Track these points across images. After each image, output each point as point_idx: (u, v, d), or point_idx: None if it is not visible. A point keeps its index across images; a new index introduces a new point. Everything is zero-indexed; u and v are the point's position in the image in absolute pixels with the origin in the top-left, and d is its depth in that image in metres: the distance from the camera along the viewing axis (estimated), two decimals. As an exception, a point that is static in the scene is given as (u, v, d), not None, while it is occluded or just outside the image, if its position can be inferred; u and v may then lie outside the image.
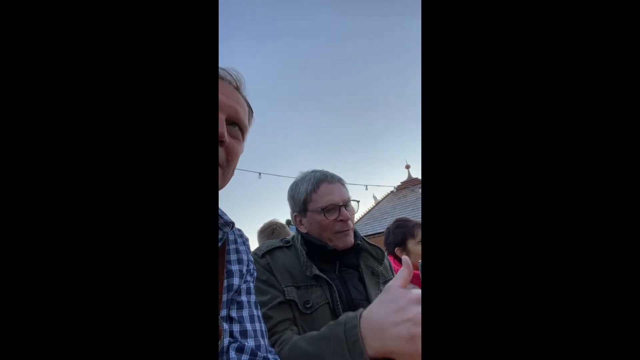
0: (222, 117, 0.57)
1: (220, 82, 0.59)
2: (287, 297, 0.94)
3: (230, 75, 0.62)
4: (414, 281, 1.81)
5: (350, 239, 1.08)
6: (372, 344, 0.60)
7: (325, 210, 1.07)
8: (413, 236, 1.79)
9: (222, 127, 0.56)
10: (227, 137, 0.56)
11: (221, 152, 0.57)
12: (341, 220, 1.07)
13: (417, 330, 0.56)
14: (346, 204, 1.09)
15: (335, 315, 0.95)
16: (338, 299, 0.97)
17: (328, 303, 0.97)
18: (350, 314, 0.67)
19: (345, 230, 1.07)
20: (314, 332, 0.72)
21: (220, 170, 0.57)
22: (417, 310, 0.58)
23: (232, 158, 0.60)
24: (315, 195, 1.10)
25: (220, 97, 0.57)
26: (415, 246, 1.77)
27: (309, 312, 0.94)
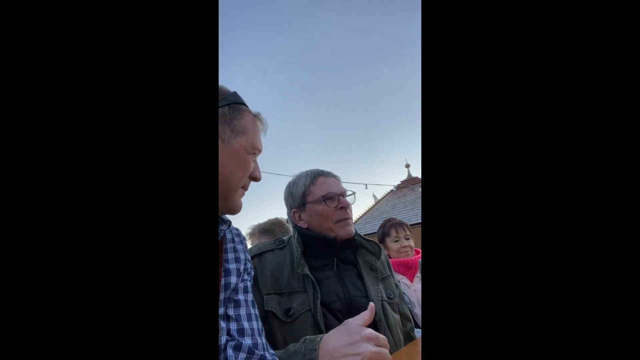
0: (257, 161, 0.71)
1: (259, 127, 0.72)
2: (265, 308, 0.94)
3: (262, 121, 0.74)
4: (405, 272, 1.86)
5: (352, 229, 1.10)
6: None
7: (326, 198, 1.09)
8: (389, 235, 2.02)
9: (260, 171, 0.72)
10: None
11: (250, 183, 0.71)
12: (342, 208, 1.09)
13: None
14: (343, 194, 1.13)
15: (316, 322, 0.95)
16: (319, 305, 0.96)
17: (310, 310, 0.96)
18: (310, 341, 0.73)
19: (346, 219, 1.09)
20: (277, 353, 0.76)
21: (243, 193, 0.70)
22: (368, 347, 0.66)
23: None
24: (313, 187, 1.13)
25: (260, 146, 0.71)
26: (390, 243, 2.01)
27: (289, 320, 0.94)
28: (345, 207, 1.10)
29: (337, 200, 1.09)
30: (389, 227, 2.04)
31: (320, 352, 0.69)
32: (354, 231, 1.11)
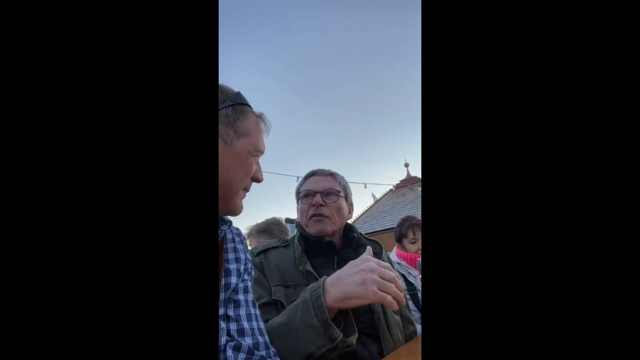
0: (259, 162, 0.70)
1: (262, 128, 0.71)
2: (274, 297, 0.96)
3: (265, 122, 0.73)
4: (413, 264, 1.87)
5: (323, 226, 1.10)
6: (331, 291, 0.75)
7: (301, 196, 1.15)
8: (406, 236, 2.02)
9: (262, 173, 0.71)
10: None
11: (251, 184, 0.71)
12: (313, 205, 1.11)
13: (368, 276, 0.73)
14: (324, 192, 1.14)
15: None
16: None
17: None
18: (315, 282, 0.81)
19: (316, 215, 1.11)
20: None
21: (244, 195, 0.70)
22: (369, 263, 0.75)
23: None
24: (303, 185, 1.18)
25: (264, 147, 0.70)
26: (408, 244, 2.00)
27: None
28: (316, 205, 1.11)
29: (312, 198, 1.13)
30: (406, 228, 2.02)
31: (327, 282, 0.77)
32: (327, 230, 1.10)
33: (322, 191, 1.13)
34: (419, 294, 1.78)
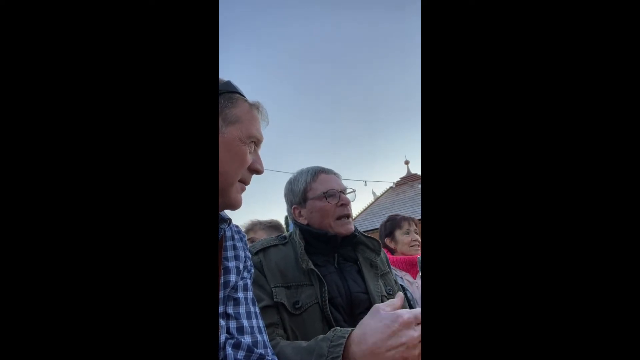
0: (258, 152, 0.67)
1: (256, 116, 0.68)
2: (275, 300, 0.95)
3: (261, 112, 0.70)
4: (409, 269, 1.87)
5: (351, 226, 1.11)
6: (356, 351, 0.67)
7: (327, 194, 1.11)
8: (400, 227, 1.99)
9: (262, 164, 0.68)
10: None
11: (251, 177, 0.68)
12: (342, 205, 1.10)
13: (410, 353, 0.63)
14: (344, 191, 1.15)
15: (324, 315, 0.96)
16: (327, 298, 0.97)
17: (318, 303, 0.97)
18: (340, 330, 0.72)
19: (346, 215, 1.11)
20: (302, 343, 0.77)
21: (243, 188, 0.67)
22: (410, 334, 0.65)
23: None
24: (314, 184, 1.14)
25: (258, 134, 0.67)
26: (401, 236, 1.97)
27: (298, 312, 0.95)
28: (346, 204, 1.11)
29: (338, 197, 1.11)
30: (400, 219, 2.01)
31: (358, 350, 0.67)
32: (354, 228, 1.12)
33: (342, 190, 1.13)
34: (408, 294, 1.79)
